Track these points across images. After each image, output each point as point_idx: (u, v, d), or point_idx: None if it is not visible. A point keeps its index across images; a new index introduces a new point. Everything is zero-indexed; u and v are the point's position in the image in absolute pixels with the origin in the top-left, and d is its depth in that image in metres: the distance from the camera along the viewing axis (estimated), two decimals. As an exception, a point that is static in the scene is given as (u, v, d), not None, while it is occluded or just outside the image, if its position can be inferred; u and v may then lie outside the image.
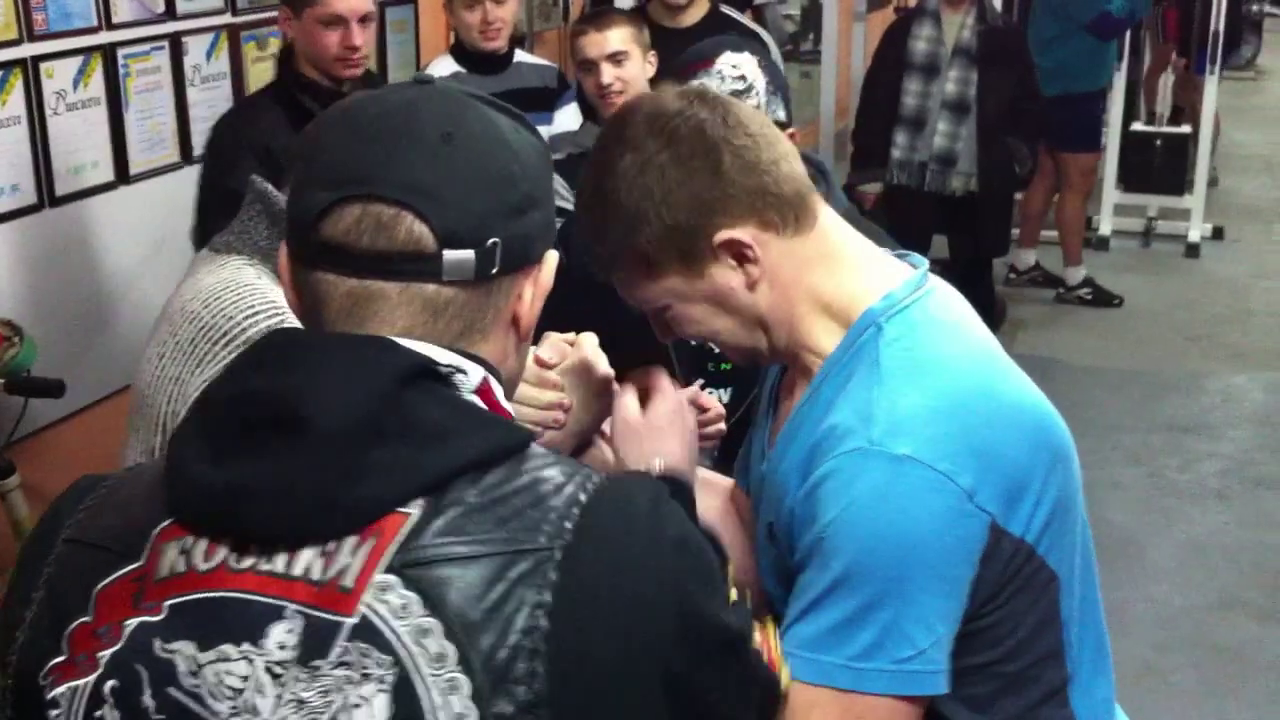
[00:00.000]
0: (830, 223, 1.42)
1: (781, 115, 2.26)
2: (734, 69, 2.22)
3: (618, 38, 3.19)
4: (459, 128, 1.04)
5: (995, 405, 1.33)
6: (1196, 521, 4.45)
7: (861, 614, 1.26)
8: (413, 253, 1.01)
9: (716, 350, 2.29)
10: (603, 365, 1.56)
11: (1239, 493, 4.66)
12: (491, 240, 1.03)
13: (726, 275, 1.36)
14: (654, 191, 1.33)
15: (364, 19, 3.08)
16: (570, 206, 3.31)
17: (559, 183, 3.21)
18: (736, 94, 2.20)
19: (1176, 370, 5.73)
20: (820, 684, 1.28)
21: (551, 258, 1.11)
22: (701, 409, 2.22)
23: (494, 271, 1.04)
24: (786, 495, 1.36)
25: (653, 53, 3.26)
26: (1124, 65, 7.07)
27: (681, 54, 2.36)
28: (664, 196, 1.33)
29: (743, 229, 1.34)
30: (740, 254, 1.35)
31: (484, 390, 1.05)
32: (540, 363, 1.53)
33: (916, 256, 1.48)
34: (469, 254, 1.02)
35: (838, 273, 1.39)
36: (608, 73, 3.17)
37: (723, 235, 1.34)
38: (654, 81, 3.28)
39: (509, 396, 1.12)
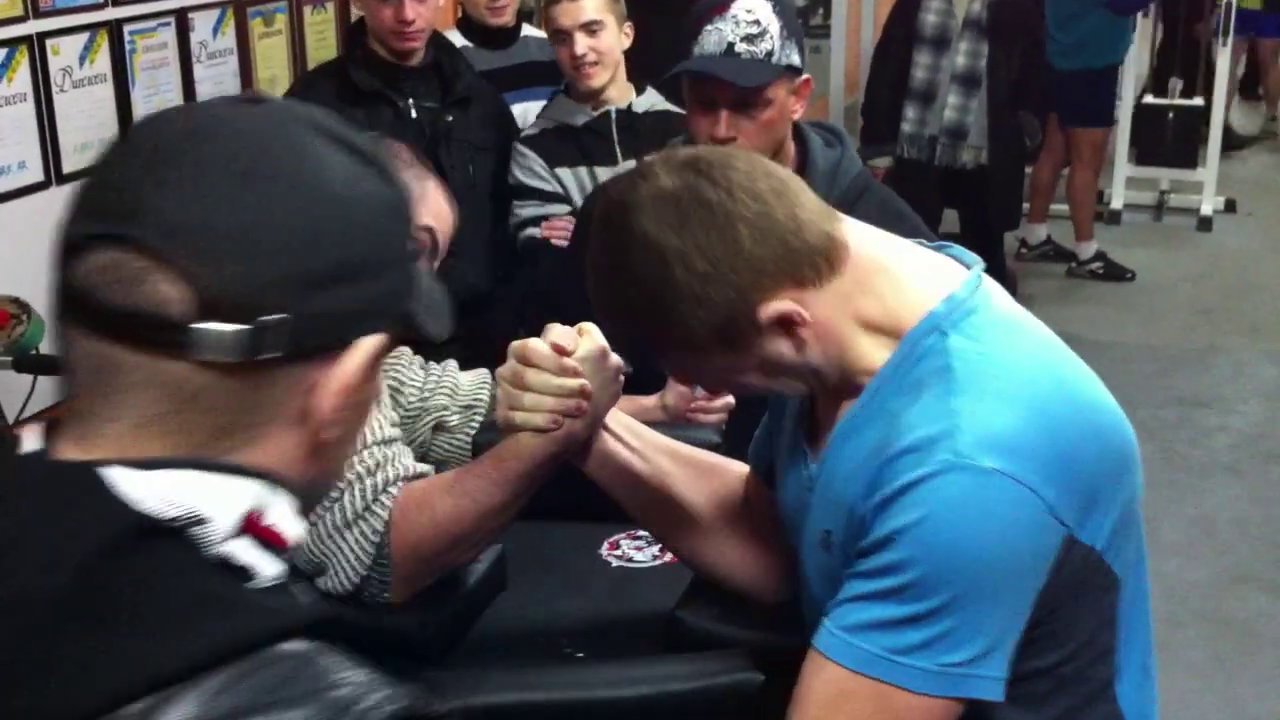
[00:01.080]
0: (862, 243, 1.37)
1: (796, 60, 2.27)
2: (748, 13, 2.22)
3: (592, 6, 3.13)
4: (266, 163, 0.82)
5: (1075, 413, 1.32)
6: (1208, 496, 4.44)
7: (921, 618, 1.25)
8: (157, 317, 0.78)
9: None
10: (614, 353, 1.55)
11: (1250, 467, 4.64)
12: (274, 316, 0.79)
13: (776, 344, 1.33)
14: (682, 290, 1.29)
15: None
16: (546, 186, 3.32)
17: (533, 159, 3.18)
18: (750, 38, 2.21)
19: (1188, 344, 5.71)
20: (855, 670, 1.27)
21: (365, 347, 0.85)
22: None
23: (271, 356, 0.80)
24: (850, 503, 1.32)
25: (629, 23, 3.23)
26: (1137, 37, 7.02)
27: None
28: (695, 293, 1.29)
29: (782, 298, 1.30)
30: (787, 321, 1.31)
31: (251, 524, 0.81)
32: (559, 349, 1.51)
33: (957, 249, 1.44)
34: (233, 329, 0.78)
35: (879, 291, 1.35)
36: (581, 43, 3.12)
37: (765, 313, 1.30)
38: (636, 54, 3.25)
39: (313, 499, 0.91)
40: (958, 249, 1.44)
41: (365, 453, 1.64)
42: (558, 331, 1.54)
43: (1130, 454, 1.37)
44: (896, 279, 1.36)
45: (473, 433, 2.05)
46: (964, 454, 1.24)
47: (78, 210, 0.83)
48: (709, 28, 2.21)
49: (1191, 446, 4.77)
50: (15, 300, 2.82)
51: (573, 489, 1.60)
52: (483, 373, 2.15)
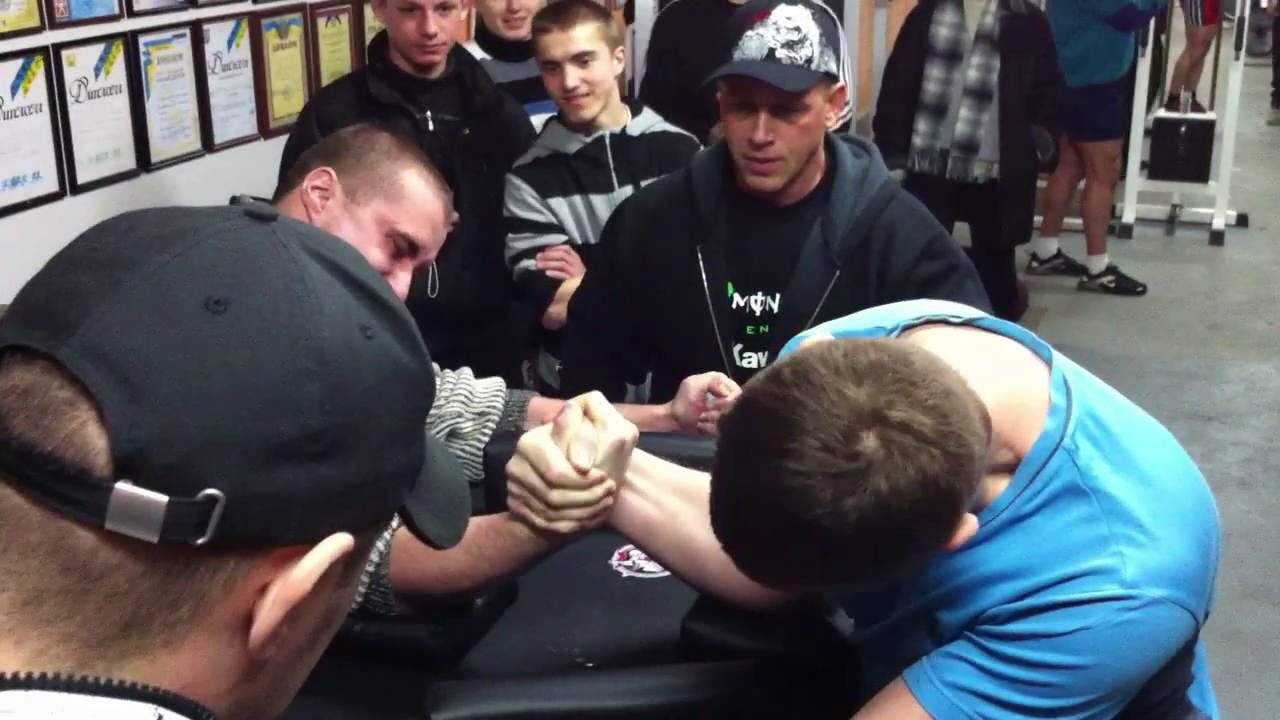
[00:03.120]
0: (988, 393, 1.24)
1: (833, 68, 2.28)
2: (789, 20, 2.24)
3: (584, 36, 3.04)
4: (246, 296, 0.65)
5: (1204, 507, 1.37)
6: (1219, 510, 4.42)
7: (1041, 711, 1.26)
8: (70, 466, 0.62)
9: (757, 313, 2.31)
10: (629, 429, 1.53)
11: (1262, 481, 4.64)
12: (209, 492, 0.62)
13: None
14: (899, 561, 1.20)
15: (441, 6, 3.07)
16: (539, 218, 3.23)
17: (525, 190, 3.14)
18: (791, 44, 2.22)
19: (1199, 358, 5.71)
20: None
21: (329, 548, 0.67)
22: (718, 394, 2.23)
23: (199, 540, 0.63)
24: (980, 607, 1.30)
25: (621, 48, 3.16)
26: (1149, 51, 7.02)
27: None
28: (906, 558, 1.20)
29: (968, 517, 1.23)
30: None
31: None
32: (580, 469, 1.48)
33: (990, 320, 1.41)
34: (156, 500, 0.62)
35: (1004, 436, 1.29)
36: (573, 75, 3.03)
37: (954, 543, 1.22)
38: (654, 72, 3.22)
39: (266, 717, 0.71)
40: (991, 320, 1.42)
41: None
42: (570, 432, 1.49)
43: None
44: (1013, 410, 1.30)
45: (485, 439, 2.05)
46: (1130, 584, 1.26)
47: (12, 311, 0.67)
48: (750, 33, 2.23)
49: (1203, 461, 4.76)
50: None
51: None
52: (497, 381, 2.15)
